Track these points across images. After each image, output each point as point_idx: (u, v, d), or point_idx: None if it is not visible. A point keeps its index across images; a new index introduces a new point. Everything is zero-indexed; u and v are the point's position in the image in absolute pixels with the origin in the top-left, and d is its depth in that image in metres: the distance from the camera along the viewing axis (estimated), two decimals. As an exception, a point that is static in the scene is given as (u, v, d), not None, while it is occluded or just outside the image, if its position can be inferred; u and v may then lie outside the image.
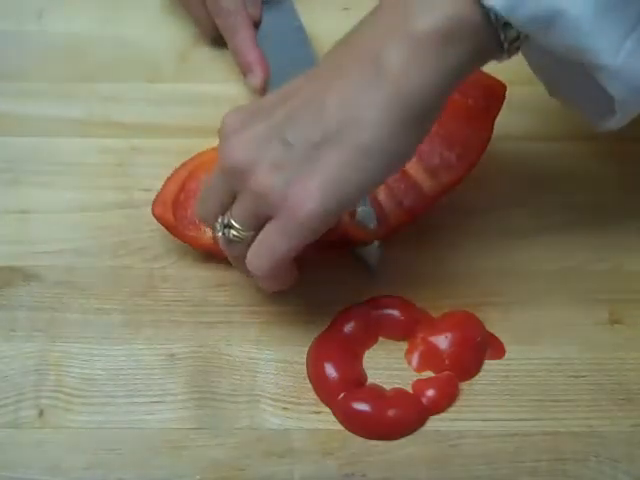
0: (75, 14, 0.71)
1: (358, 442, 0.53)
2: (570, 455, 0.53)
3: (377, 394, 0.54)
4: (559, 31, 0.47)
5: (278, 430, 0.54)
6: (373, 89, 0.48)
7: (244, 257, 0.52)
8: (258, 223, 0.51)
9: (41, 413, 0.54)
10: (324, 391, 0.55)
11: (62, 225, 0.61)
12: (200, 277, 0.59)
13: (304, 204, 0.49)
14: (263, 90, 0.66)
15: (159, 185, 0.62)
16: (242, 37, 0.66)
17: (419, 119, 0.49)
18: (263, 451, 0.53)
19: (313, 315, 0.58)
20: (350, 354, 0.56)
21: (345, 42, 0.51)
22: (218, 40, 0.69)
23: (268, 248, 0.51)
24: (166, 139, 0.65)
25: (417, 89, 0.48)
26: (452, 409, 0.55)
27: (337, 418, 0.54)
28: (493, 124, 0.60)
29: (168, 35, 0.70)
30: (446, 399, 0.55)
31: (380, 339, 0.57)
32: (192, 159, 0.61)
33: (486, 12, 0.47)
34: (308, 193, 0.49)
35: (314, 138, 0.49)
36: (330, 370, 0.55)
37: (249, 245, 0.52)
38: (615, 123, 0.53)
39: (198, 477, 0.52)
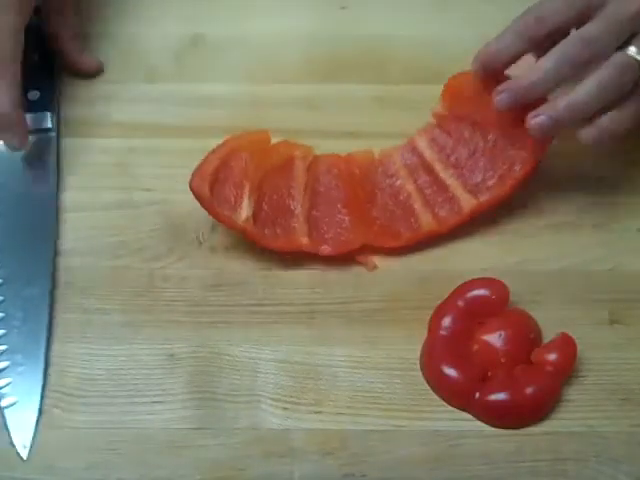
0: (75, 14, 0.71)
1: (358, 442, 0.54)
2: (570, 455, 0.53)
3: (507, 379, 0.54)
4: None
5: (278, 430, 0.54)
6: None
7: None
8: None
9: (41, 413, 0.54)
10: (457, 398, 0.54)
11: (62, 225, 0.61)
12: (200, 277, 0.59)
13: None
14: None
15: (159, 185, 0.62)
16: None
17: None
18: (263, 451, 0.53)
19: (313, 315, 0.58)
20: (462, 350, 0.55)
21: None
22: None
23: None
24: (166, 139, 0.65)
25: None
26: (452, 409, 0.55)
27: (481, 418, 0.54)
28: (545, 149, 0.59)
29: (168, 35, 0.70)
30: (570, 358, 0.55)
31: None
32: (233, 138, 0.60)
33: None
34: None
35: None
36: (453, 374, 0.54)
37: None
38: None
39: (198, 477, 0.53)
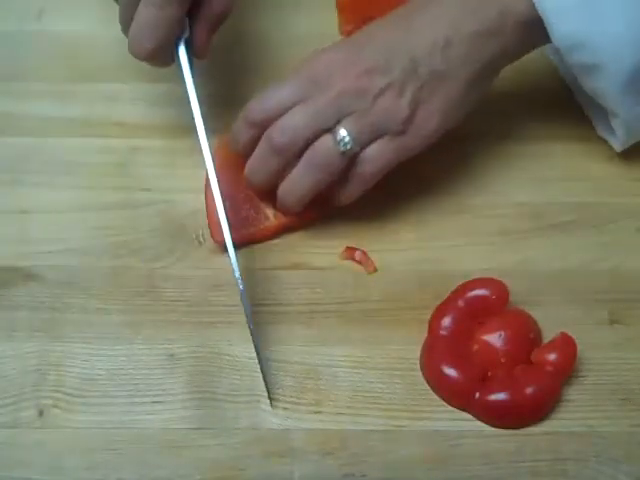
0: (75, 14, 0.71)
1: (358, 442, 0.54)
2: (570, 455, 0.53)
3: (507, 379, 0.54)
4: (596, 79, 0.57)
5: (278, 430, 0.54)
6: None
7: (335, 171, 0.57)
8: (369, 139, 0.57)
9: (41, 413, 0.54)
10: (457, 398, 0.54)
11: (62, 225, 0.61)
12: (200, 277, 0.59)
13: (429, 123, 0.57)
14: None
15: (159, 185, 0.62)
16: None
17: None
18: (263, 451, 0.53)
19: (313, 315, 0.58)
20: (462, 350, 0.56)
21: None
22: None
23: (384, 156, 0.57)
24: (166, 139, 0.65)
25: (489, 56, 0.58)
26: (452, 409, 0.55)
27: (481, 418, 0.54)
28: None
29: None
30: (570, 358, 0.55)
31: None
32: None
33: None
34: (432, 114, 0.57)
35: (438, 67, 0.57)
36: (453, 374, 0.54)
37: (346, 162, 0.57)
38: (619, 146, 0.62)
39: (198, 477, 0.53)
